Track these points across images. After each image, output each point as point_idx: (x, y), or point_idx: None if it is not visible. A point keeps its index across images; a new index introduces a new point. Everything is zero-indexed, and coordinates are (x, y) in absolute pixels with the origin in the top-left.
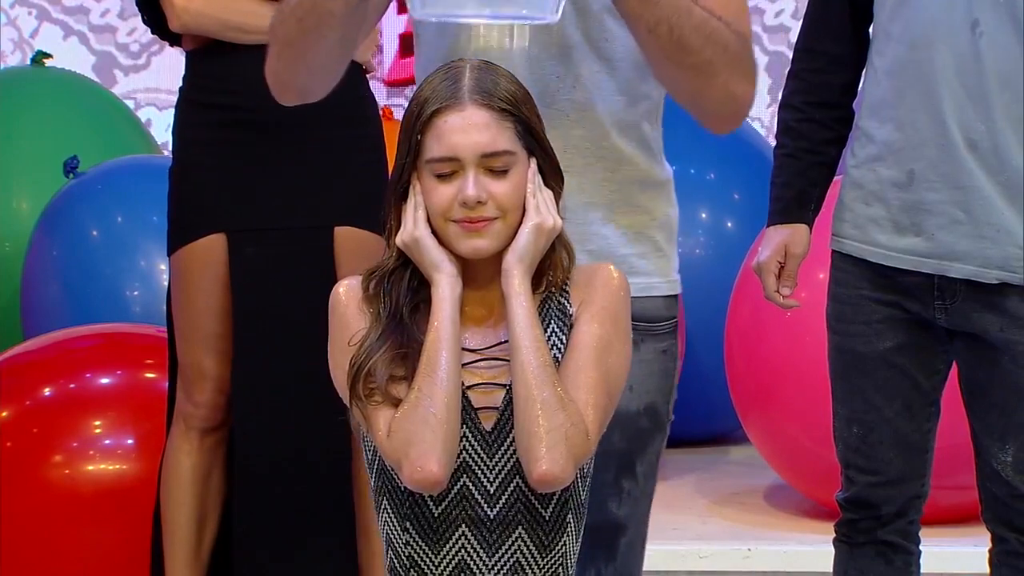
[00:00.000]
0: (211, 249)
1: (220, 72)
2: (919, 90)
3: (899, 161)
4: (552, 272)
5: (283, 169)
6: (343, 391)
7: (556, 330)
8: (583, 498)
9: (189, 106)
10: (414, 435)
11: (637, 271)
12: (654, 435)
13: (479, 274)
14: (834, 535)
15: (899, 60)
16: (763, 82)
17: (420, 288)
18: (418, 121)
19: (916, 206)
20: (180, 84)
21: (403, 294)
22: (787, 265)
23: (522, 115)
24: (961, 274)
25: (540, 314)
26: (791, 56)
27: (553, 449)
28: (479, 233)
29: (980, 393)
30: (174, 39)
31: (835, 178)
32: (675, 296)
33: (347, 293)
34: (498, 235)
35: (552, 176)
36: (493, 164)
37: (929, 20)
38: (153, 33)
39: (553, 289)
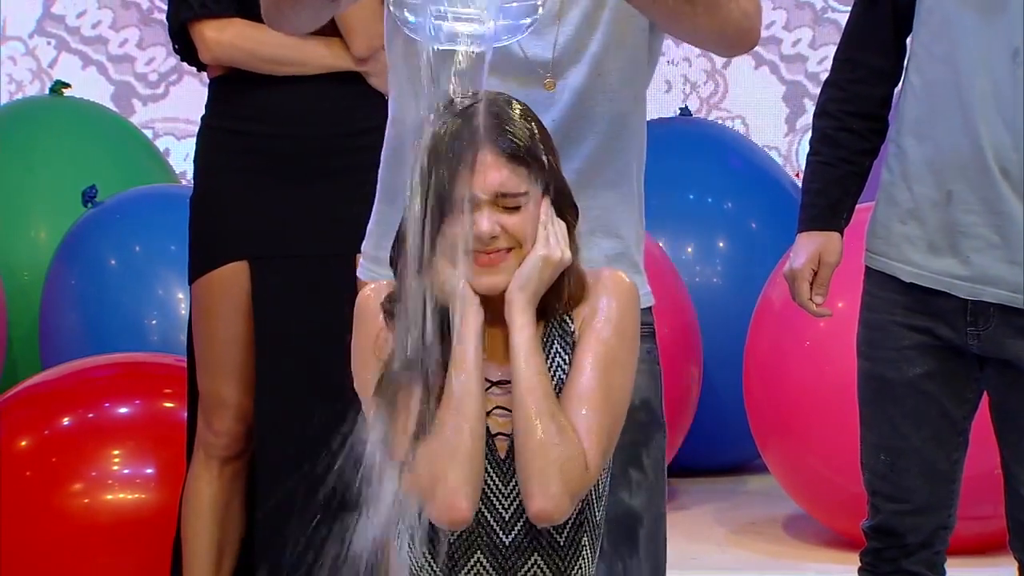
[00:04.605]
0: (233, 277)
1: (243, 100)
2: (958, 113)
3: (938, 181)
4: (559, 304)
5: (305, 196)
6: (363, 391)
7: (559, 350)
8: (599, 519)
9: (212, 133)
10: (440, 472)
11: None
12: (653, 430)
13: (491, 307)
14: (859, 564)
15: (940, 81)
16: (780, 111)
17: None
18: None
19: (952, 227)
20: (203, 112)
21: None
22: (820, 273)
23: (536, 154)
24: (995, 298)
25: (542, 337)
26: (831, 66)
27: (547, 486)
28: (495, 269)
29: (1011, 420)
30: (202, 65)
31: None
32: (650, 308)
33: (375, 294)
34: (513, 270)
35: (567, 208)
36: (506, 203)
37: (972, 45)
38: (182, 60)
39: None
